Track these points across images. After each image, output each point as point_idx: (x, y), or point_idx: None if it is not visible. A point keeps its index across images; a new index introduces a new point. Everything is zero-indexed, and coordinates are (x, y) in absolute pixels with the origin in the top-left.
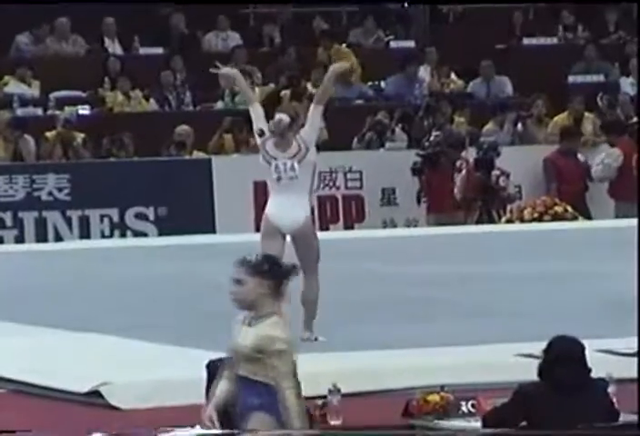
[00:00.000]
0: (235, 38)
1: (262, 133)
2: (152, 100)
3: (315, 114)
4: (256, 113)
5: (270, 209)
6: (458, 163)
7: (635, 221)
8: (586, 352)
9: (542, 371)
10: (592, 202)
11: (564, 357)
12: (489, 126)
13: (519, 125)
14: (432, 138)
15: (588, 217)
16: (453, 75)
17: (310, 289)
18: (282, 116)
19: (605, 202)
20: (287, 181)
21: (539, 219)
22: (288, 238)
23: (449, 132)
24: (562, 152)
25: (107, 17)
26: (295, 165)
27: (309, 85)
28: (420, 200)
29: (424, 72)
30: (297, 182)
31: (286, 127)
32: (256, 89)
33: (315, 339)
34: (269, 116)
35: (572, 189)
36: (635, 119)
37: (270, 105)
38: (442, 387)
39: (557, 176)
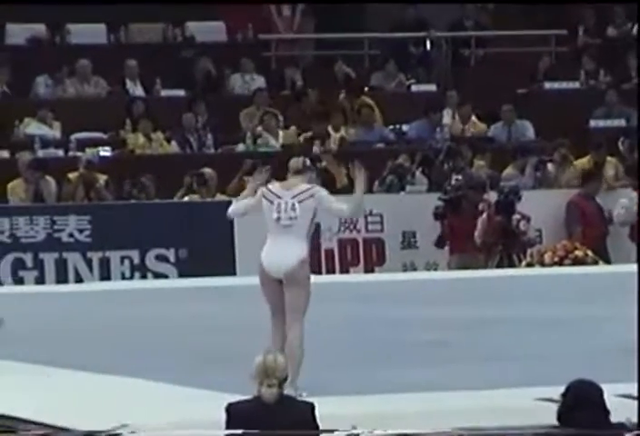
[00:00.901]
0: (259, 81)
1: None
2: (173, 142)
3: (336, 205)
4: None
5: (264, 253)
6: (480, 207)
7: None
8: (605, 396)
9: (561, 416)
10: (612, 246)
11: (582, 401)
12: (509, 170)
13: (540, 169)
14: (453, 182)
15: (608, 261)
16: (474, 119)
17: (292, 340)
18: (298, 159)
19: (626, 246)
20: (287, 221)
21: (559, 263)
22: None
23: (470, 175)
24: (584, 195)
25: (130, 60)
26: (297, 205)
27: (330, 128)
28: (440, 244)
29: (445, 115)
30: (296, 224)
31: (300, 167)
32: (279, 132)
33: (300, 395)
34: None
35: (594, 233)
36: None
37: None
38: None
39: (581, 219)
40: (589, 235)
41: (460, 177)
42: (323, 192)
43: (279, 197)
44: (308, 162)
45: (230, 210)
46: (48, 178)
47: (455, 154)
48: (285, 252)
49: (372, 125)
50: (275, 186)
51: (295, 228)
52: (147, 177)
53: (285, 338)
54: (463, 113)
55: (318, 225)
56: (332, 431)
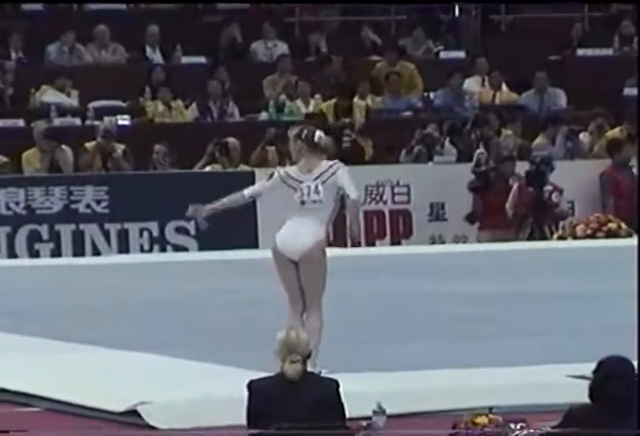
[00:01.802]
0: (282, 48)
1: (271, 176)
2: (194, 110)
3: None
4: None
5: (279, 235)
6: (511, 180)
7: None
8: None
9: (592, 392)
10: None
11: (614, 377)
12: (540, 140)
13: (572, 139)
14: (479, 156)
15: None
16: (504, 87)
17: (310, 322)
18: (320, 134)
19: None
20: (311, 205)
21: (592, 236)
22: None
23: (497, 147)
24: (617, 166)
25: (151, 26)
26: (320, 187)
27: (356, 98)
28: (472, 219)
29: (474, 83)
30: (320, 206)
31: (323, 145)
32: (297, 101)
33: (319, 372)
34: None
35: (628, 204)
36: None
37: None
38: (490, 409)
39: (614, 191)
40: (623, 207)
41: (483, 151)
42: (344, 168)
43: (300, 182)
44: (323, 135)
45: (246, 192)
46: (65, 147)
47: (482, 124)
48: (301, 232)
49: (399, 93)
50: (293, 171)
51: (319, 210)
52: (163, 145)
53: (302, 321)
54: (492, 80)
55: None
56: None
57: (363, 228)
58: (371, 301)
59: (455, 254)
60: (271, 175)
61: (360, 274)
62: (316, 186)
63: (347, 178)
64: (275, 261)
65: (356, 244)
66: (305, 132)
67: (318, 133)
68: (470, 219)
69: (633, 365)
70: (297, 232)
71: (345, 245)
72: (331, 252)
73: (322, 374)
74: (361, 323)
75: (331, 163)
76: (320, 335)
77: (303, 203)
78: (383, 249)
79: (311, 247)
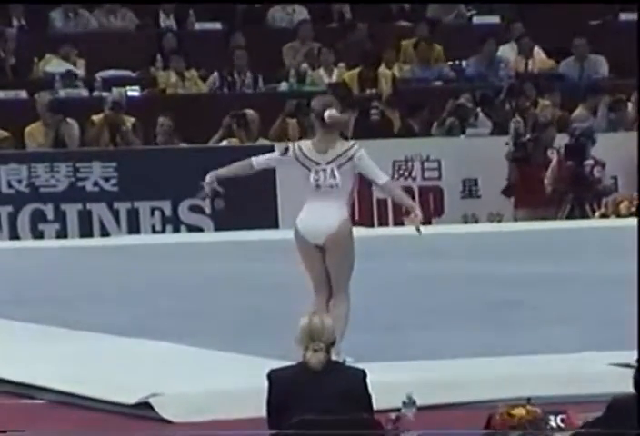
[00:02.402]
0: (302, 13)
1: (286, 150)
2: (209, 80)
3: (373, 171)
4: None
5: (300, 219)
6: (549, 153)
7: None
8: None
9: (638, 382)
10: None
11: None
12: (579, 111)
13: (615, 110)
14: (516, 125)
15: None
16: (542, 54)
17: (337, 307)
18: (332, 112)
19: None
20: (327, 188)
21: (637, 214)
22: None
23: (534, 118)
24: None
25: None
26: (336, 172)
27: (382, 67)
28: (508, 192)
29: (509, 50)
30: (336, 190)
31: (336, 123)
32: (320, 70)
33: (344, 361)
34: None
35: None
36: None
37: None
38: (528, 399)
39: None
40: None
41: (519, 119)
42: (361, 152)
43: (316, 163)
44: (336, 112)
45: (255, 162)
46: (70, 121)
47: (518, 93)
48: (324, 215)
49: (429, 62)
50: (307, 148)
51: (336, 193)
52: (168, 118)
53: (327, 308)
54: (529, 47)
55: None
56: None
57: (390, 208)
58: (399, 284)
59: (490, 234)
60: (286, 149)
61: (388, 256)
62: (332, 170)
63: (368, 164)
64: (299, 247)
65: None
66: (317, 107)
67: (328, 112)
68: (507, 193)
69: None
70: (320, 215)
71: (372, 225)
72: (357, 232)
73: (346, 363)
74: (389, 309)
75: (347, 145)
76: (346, 322)
77: (318, 186)
78: (411, 229)
79: (337, 230)
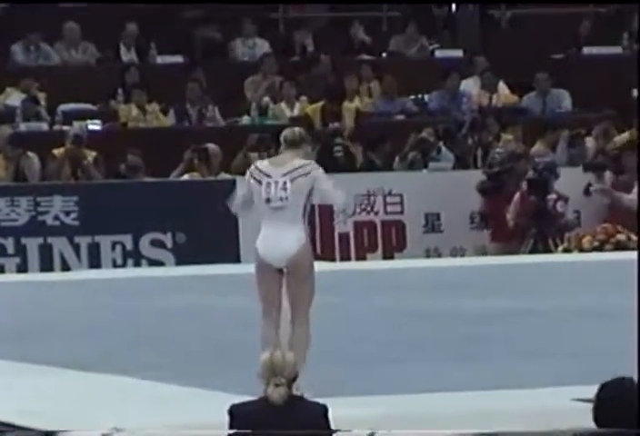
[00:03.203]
0: (263, 46)
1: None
2: (170, 114)
3: (331, 190)
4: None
5: (260, 241)
6: (523, 184)
7: None
8: None
9: (597, 417)
10: None
11: (618, 400)
12: (538, 146)
13: (575, 145)
14: (496, 155)
15: None
16: (505, 89)
17: (298, 336)
18: (294, 130)
19: None
20: (277, 203)
21: (600, 248)
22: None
23: (509, 151)
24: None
25: (129, 24)
26: (288, 184)
27: (346, 101)
28: (480, 225)
29: (472, 84)
30: (288, 205)
31: (296, 141)
32: (282, 104)
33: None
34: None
35: None
36: None
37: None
38: (494, 435)
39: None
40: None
41: (502, 151)
42: (319, 170)
43: (268, 176)
44: (304, 133)
45: (232, 206)
46: (31, 154)
47: (480, 128)
48: (282, 237)
49: (392, 95)
50: (263, 164)
51: (289, 210)
52: (135, 153)
53: (277, 337)
54: (491, 81)
55: (330, 207)
56: None
57: (352, 240)
58: (362, 318)
59: (453, 269)
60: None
61: (350, 290)
62: (284, 183)
63: (326, 183)
64: (257, 269)
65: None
66: (284, 132)
67: (291, 131)
68: (482, 225)
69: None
70: (278, 236)
71: (334, 259)
72: (319, 266)
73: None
74: (352, 343)
75: (306, 161)
76: (306, 351)
77: (268, 200)
78: (374, 263)
79: (296, 252)
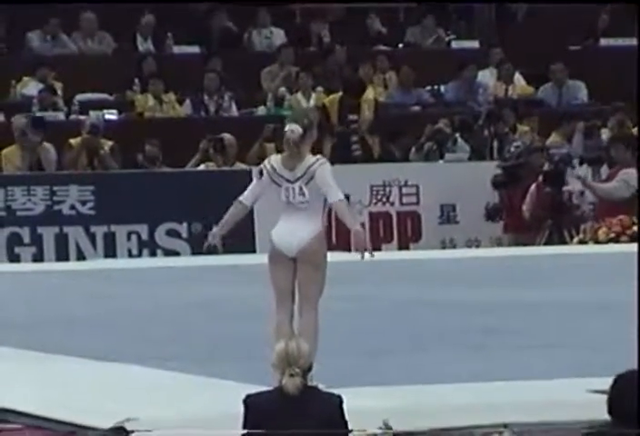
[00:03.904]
0: (279, 36)
1: (260, 174)
2: (187, 104)
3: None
4: None
5: (275, 231)
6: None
7: None
8: None
9: (611, 408)
10: None
11: (632, 392)
12: (554, 138)
13: (591, 136)
14: (512, 149)
15: None
16: (522, 80)
17: (306, 325)
18: (292, 128)
19: None
20: (298, 204)
21: (616, 240)
22: None
23: (528, 143)
24: None
25: (147, 15)
26: (304, 189)
27: (366, 93)
28: (493, 217)
29: (488, 75)
30: (308, 206)
31: (297, 141)
32: (298, 95)
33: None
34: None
35: None
36: None
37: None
38: (505, 426)
39: None
40: None
41: (519, 144)
42: (322, 167)
43: (286, 180)
44: (306, 122)
45: (245, 201)
46: (47, 144)
47: (496, 119)
48: (298, 227)
49: (408, 86)
50: (278, 163)
51: (309, 209)
52: (153, 143)
53: (291, 327)
54: (508, 72)
55: (347, 197)
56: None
57: (368, 232)
58: (377, 310)
59: (468, 260)
60: (260, 172)
61: (365, 281)
62: (300, 188)
63: (326, 179)
64: (270, 258)
65: (364, 254)
66: (286, 128)
67: (288, 127)
68: (491, 216)
69: None
70: (293, 227)
71: (349, 249)
72: (334, 256)
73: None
74: (367, 334)
75: (311, 161)
76: (316, 341)
77: (290, 203)
78: (389, 254)
79: (309, 242)
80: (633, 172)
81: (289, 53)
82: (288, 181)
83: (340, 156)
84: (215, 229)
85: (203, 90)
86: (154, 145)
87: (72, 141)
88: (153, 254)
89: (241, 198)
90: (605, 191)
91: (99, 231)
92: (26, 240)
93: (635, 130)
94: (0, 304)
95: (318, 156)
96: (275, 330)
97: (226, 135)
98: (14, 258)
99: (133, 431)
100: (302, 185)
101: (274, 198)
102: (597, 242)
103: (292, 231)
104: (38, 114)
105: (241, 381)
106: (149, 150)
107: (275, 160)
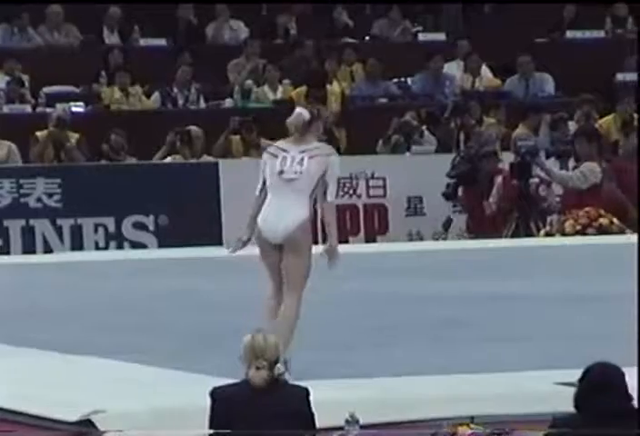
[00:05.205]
0: (246, 29)
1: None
2: (153, 97)
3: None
4: None
5: (261, 216)
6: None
7: None
8: (629, 380)
9: (578, 401)
10: None
11: (601, 385)
12: (520, 130)
13: (558, 128)
14: (461, 153)
15: None
16: (488, 72)
17: (285, 310)
18: (301, 111)
19: None
20: (291, 174)
21: (582, 232)
22: None
23: (481, 140)
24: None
25: (112, 7)
26: (305, 159)
27: (331, 85)
28: (447, 226)
29: (455, 68)
30: (301, 179)
31: (306, 123)
32: (265, 87)
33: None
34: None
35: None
36: None
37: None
38: (472, 418)
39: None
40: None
41: (472, 144)
42: (336, 157)
43: (285, 151)
44: (315, 111)
45: (259, 191)
46: (7, 142)
47: (462, 111)
48: (283, 212)
49: (375, 79)
50: (280, 142)
51: (299, 183)
52: (119, 133)
53: (278, 310)
54: (474, 64)
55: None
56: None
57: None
58: (343, 302)
59: (435, 252)
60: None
61: (332, 274)
62: (302, 159)
63: (335, 172)
64: (258, 245)
65: (333, 262)
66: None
67: (297, 111)
68: (446, 225)
69: (622, 373)
70: (279, 211)
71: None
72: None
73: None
74: (333, 327)
75: (325, 145)
76: (293, 327)
77: (281, 172)
78: (356, 246)
79: (294, 230)
80: (594, 165)
81: (256, 45)
82: (286, 151)
83: None
84: (242, 236)
85: (170, 82)
86: (119, 135)
87: (38, 134)
88: (120, 247)
89: (257, 193)
90: (561, 177)
91: (66, 223)
92: None
93: (606, 119)
94: None
95: (330, 147)
96: (264, 310)
97: (193, 128)
98: None
99: (102, 431)
100: (304, 157)
101: (267, 175)
102: (564, 234)
103: (277, 216)
104: (4, 107)
105: (208, 374)
106: (115, 140)
107: (278, 142)
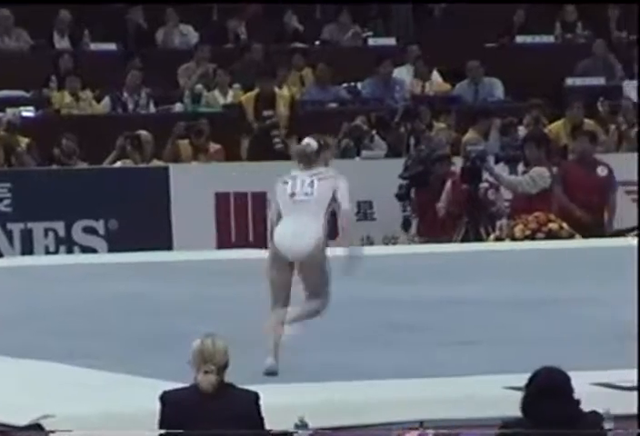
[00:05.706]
0: (196, 33)
1: None
2: (104, 101)
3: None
4: None
5: (277, 234)
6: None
7: (634, 240)
8: (574, 384)
9: (525, 406)
10: None
11: (547, 390)
12: (470, 135)
13: (508, 133)
14: (414, 155)
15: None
16: (439, 77)
17: (311, 302)
18: (309, 140)
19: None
20: (302, 196)
21: (532, 237)
22: None
23: (431, 144)
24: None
25: (62, 10)
26: (315, 182)
27: (280, 89)
28: (406, 226)
29: (405, 72)
30: (312, 200)
31: (314, 153)
32: (215, 91)
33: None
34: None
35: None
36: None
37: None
38: (421, 423)
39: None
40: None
41: (422, 148)
42: (345, 181)
43: (295, 177)
44: (322, 141)
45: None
46: None
47: (413, 116)
48: (299, 230)
49: (325, 83)
50: (290, 172)
51: (312, 205)
52: (70, 138)
53: (281, 329)
54: (424, 69)
55: (264, 194)
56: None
57: None
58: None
59: (385, 257)
60: None
61: None
62: (311, 181)
63: (345, 190)
64: (270, 256)
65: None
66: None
67: (305, 142)
68: (405, 226)
69: (568, 377)
70: (296, 228)
71: (266, 247)
72: (250, 254)
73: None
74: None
75: (331, 169)
76: (306, 315)
77: (292, 195)
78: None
79: (311, 250)
80: (543, 170)
81: (206, 50)
82: (296, 177)
83: (257, 154)
84: None
85: (120, 87)
86: (70, 140)
87: None
88: (70, 251)
89: (273, 218)
90: (510, 182)
91: (16, 228)
92: None
93: (556, 124)
94: None
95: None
96: (269, 327)
97: (143, 132)
98: None
99: (51, 431)
100: (314, 179)
101: (278, 197)
102: (513, 238)
103: (293, 234)
104: None
105: (158, 378)
106: (66, 144)
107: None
